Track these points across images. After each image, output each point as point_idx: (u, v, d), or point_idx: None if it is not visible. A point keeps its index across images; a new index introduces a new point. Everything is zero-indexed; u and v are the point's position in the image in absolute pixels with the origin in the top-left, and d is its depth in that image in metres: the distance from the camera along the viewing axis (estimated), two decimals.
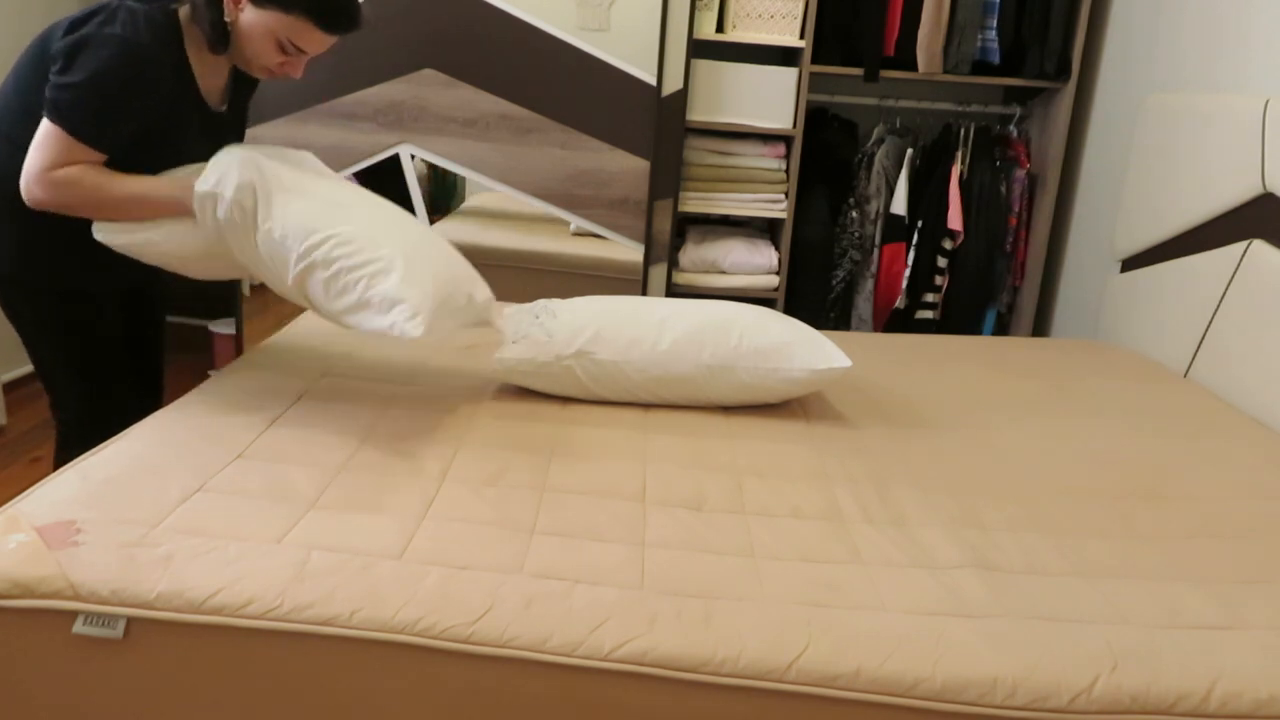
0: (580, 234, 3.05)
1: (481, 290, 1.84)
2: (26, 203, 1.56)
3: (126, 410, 1.83)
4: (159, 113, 1.61)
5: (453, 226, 3.12)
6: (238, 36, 1.63)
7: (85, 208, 1.58)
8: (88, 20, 1.54)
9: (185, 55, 1.64)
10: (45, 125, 1.53)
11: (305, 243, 1.56)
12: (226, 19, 1.61)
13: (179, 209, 1.60)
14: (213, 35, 1.62)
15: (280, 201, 1.59)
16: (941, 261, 3.19)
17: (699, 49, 3.04)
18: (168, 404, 1.73)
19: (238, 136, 1.89)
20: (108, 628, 1.16)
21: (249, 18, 1.61)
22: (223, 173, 1.57)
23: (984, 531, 1.47)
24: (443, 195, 3.18)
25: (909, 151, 3.17)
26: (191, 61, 1.66)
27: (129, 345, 1.92)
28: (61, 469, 1.45)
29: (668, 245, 3.07)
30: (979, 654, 1.16)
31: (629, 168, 2.96)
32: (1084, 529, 1.51)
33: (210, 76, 1.71)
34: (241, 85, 1.84)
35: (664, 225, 3.05)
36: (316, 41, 1.65)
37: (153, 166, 1.63)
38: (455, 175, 3.03)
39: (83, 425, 1.82)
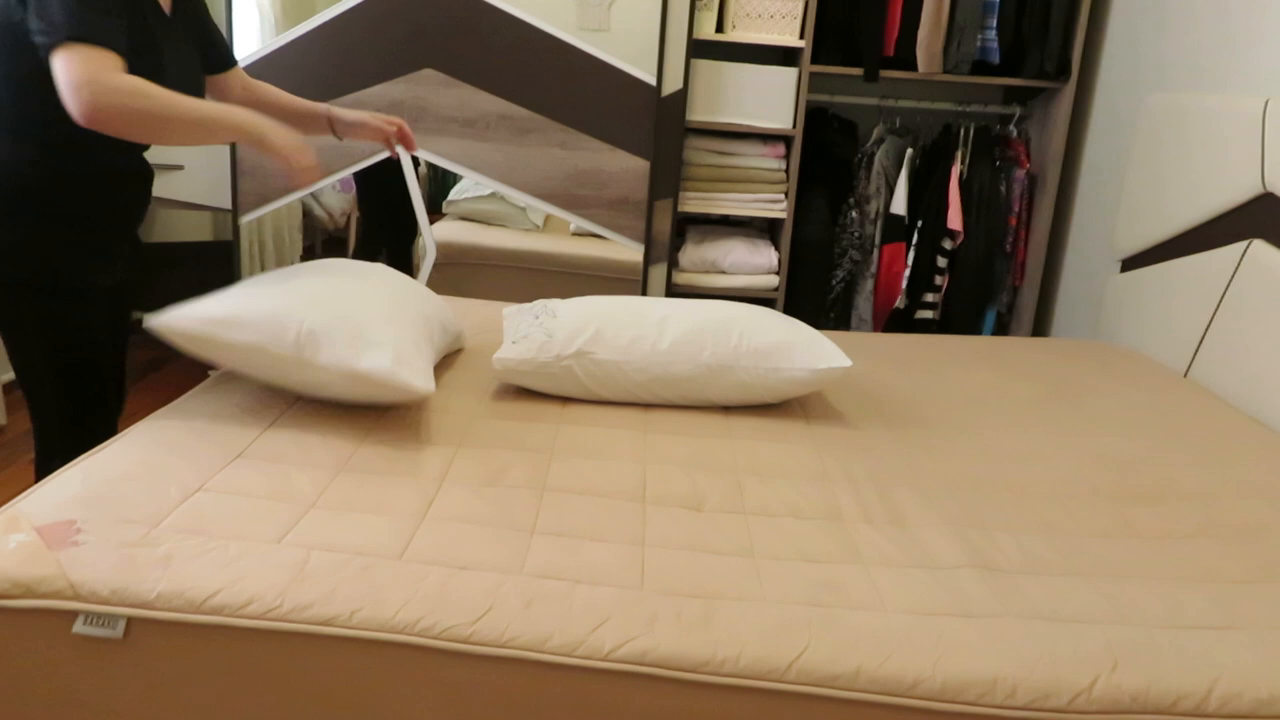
0: (580, 234, 3.05)
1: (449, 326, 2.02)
2: (84, 123, 1.46)
3: (109, 420, 1.81)
4: (129, 6, 1.57)
5: (452, 227, 3.12)
6: None
7: (148, 120, 1.50)
8: None
9: None
10: (57, 55, 1.45)
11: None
12: None
13: (247, 137, 1.58)
14: None
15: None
16: (941, 261, 3.19)
17: (699, 49, 3.04)
18: (168, 405, 1.73)
19: (199, 49, 1.84)
20: (108, 628, 1.16)
21: None
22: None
23: (984, 531, 1.47)
24: (442, 196, 3.18)
25: (909, 151, 3.17)
26: None
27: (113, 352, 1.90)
28: (62, 469, 1.44)
29: (668, 245, 3.07)
30: (979, 654, 1.16)
31: (629, 168, 2.96)
32: (1084, 529, 1.51)
33: None
34: None
35: (664, 225, 3.05)
36: None
37: (142, 74, 1.58)
38: (455, 175, 3.03)
39: (65, 436, 1.78)
